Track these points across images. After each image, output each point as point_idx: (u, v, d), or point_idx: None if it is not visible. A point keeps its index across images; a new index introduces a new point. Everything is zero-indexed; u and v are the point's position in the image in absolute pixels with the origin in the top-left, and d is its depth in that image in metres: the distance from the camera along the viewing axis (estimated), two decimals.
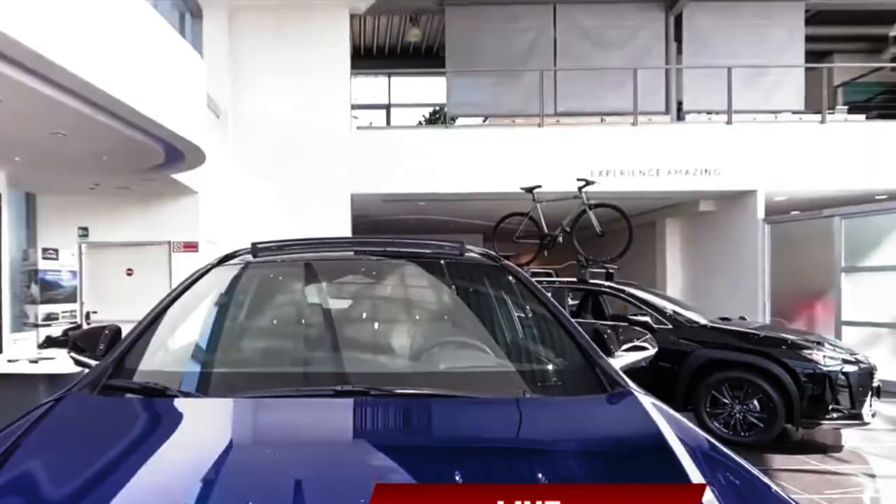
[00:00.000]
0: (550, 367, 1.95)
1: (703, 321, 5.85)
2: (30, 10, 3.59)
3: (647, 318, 5.85)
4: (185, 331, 2.07)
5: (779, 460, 4.91)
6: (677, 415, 1.50)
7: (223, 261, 2.35)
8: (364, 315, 2.51)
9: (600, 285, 6.63)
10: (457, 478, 1.12)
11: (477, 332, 2.22)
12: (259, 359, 2.10)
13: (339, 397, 1.55)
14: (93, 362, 1.89)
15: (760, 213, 9.60)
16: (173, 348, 2.01)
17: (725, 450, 1.37)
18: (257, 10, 9.59)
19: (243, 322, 2.25)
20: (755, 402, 5.23)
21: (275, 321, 2.38)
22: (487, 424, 1.48)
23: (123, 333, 2.01)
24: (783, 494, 1.20)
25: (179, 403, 1.60)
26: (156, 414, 1.56)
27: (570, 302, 7.33)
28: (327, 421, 1.50)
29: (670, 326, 5.76)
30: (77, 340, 2.01)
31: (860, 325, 8.03)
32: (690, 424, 1.49)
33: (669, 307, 6.10)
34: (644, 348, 2.03)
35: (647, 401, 1.54)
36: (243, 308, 2.29)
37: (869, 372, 5.20)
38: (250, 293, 2.37)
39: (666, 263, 12.11)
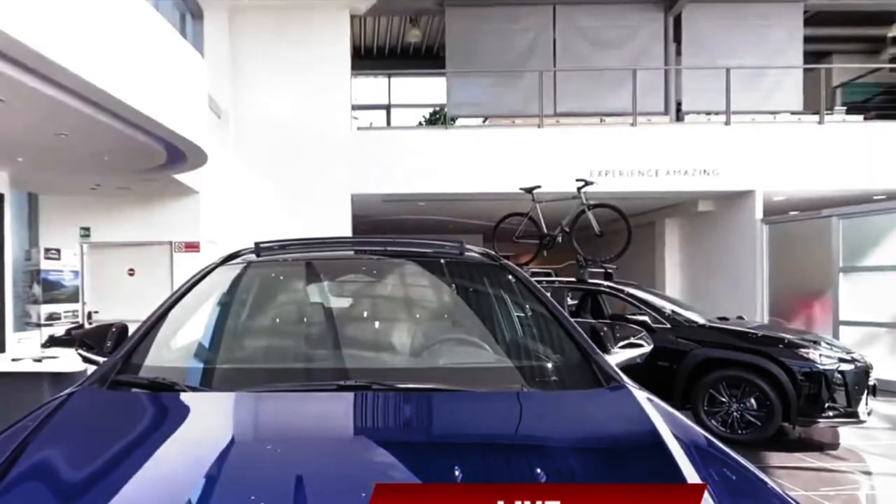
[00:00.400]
0: (548, 363, 1.99)
1: (701, 321, 5.90)
2: (32, 11, 3.62)
3: (646, 318, 5.89)
4: (191, 328, 2.11)
5: (776, 458, 4.96)
6: (670, 408, 1.54)
7: (227, 260, 2.40)
8: (365, 313, 2.55)
9: (599, 285, 6.68)
10: (456, 472, 1.14)
11: (476, 329, 2.26)
12: (263, 355, 2.14)
13: (342, 391, 1.60)
14: (100, 359, 1.94)
15: (759, 214, 9.64)
16: (179, 345, 2.05)
17: (717, 442, 1.41)
18: (258, 11, 9.63)
19: (247, 320, 2.29)
20: (752, 400, 5.28)
21: (278, 319, 2.42)
22: (486, 417, 1.52)
23: (129, 332, 2.06)
24: (773, 485, 1.23)
25: (186, 397, 1.64)
26: (163, 407, 1.61)
27: (570, 302, 7.37)
28: (330, 414, 1.54)
29: (669, 326, 5.81)
30: (85, 338, 2.05)
31: (858, 324, 8.07)
32: (683, 418, 1.53)
33: (668, 307, 6.15)
34: (639, 345, 2.08)
35: (642, 395, 1.58)
36: (247, 306, 2.34)
37: (865, 370, 5.24)
38: (253, 291, 2.41)
39: (665, 263, 12.15)
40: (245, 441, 1.43)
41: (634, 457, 1.35)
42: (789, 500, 1.17)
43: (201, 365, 2.01)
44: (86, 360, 2.03)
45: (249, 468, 1.25)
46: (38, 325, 7.37)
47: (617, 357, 1.99)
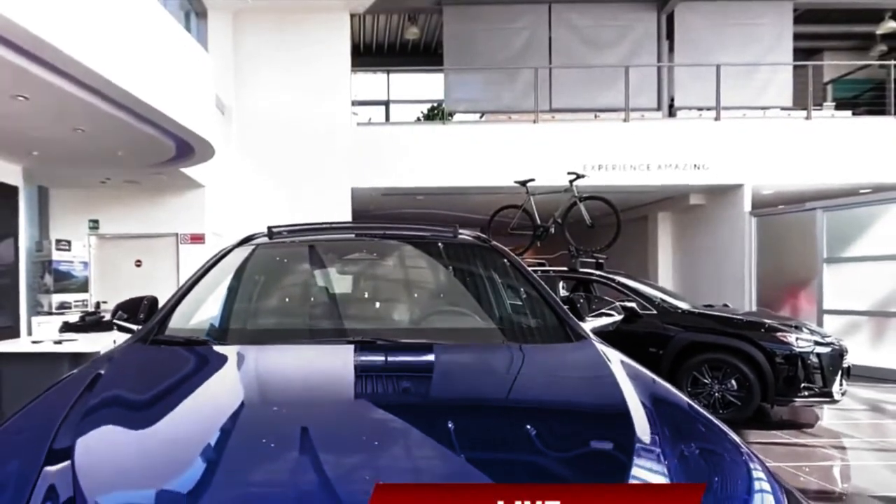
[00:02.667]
0: (527, 325, 2.29)
1: (686, 307, 6.18)
2: (55, 11, 3.88)
3: (634, 305, 6.17)
4: (215, 299, 2.39)
5: (753, 435, 5.24)
6: (626, 357, 1.83)
7: (243, 242, 2.68)
8: (368, 288, 2.84)
9: (591, 274, 6.95)
10: (450, 426, 1.31)
11: (467, 300, 2.56)
12: (278, 319, 2.44)
13: (350, 345, 1.90)
14: (133, 326, 2.23)
15: (747, 207, 9.90)
16: (204, 314, 2.34)
17: (655, 377, 1.70)
18: (260, 10, 9.85)
19: (262, 291, 2.58)
20: (733, 381, 5.56)
21: (289, 292, 2.70)
22: (472, 363, 1.83)
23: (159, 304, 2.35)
24: (704, 412, 1.50)
25: (217, 349, 1.97)
26: (198, 356, 1.91)
27: (563, 292, 7.65)
28: (343, 362, 1.83)
29: (656, 312, 6.10)
30: (121, 308, 2.33)
31: (840, 313, 8.36)
32: (632, 361, 1.81)
33: (656, 294, 6.43)
34: (610, 314, 2.36)
35: (602, 347, 1.89)
36: (261, 281, 2.62)
37: (839, 353, 5.52)
38: (267, 269, 2.70)
39: (658, 256, 12.43)
40: (266, 382, 1.72)
41: (589, 385, 1.65)
42: (734, 436, 1.38)
43: (224, 327, 2.30)
44: (121, 328, 2.31)
45: (270, 403, 1.53)
46: (50, 314, 7.64)
47: (590, 324, 2.27)
